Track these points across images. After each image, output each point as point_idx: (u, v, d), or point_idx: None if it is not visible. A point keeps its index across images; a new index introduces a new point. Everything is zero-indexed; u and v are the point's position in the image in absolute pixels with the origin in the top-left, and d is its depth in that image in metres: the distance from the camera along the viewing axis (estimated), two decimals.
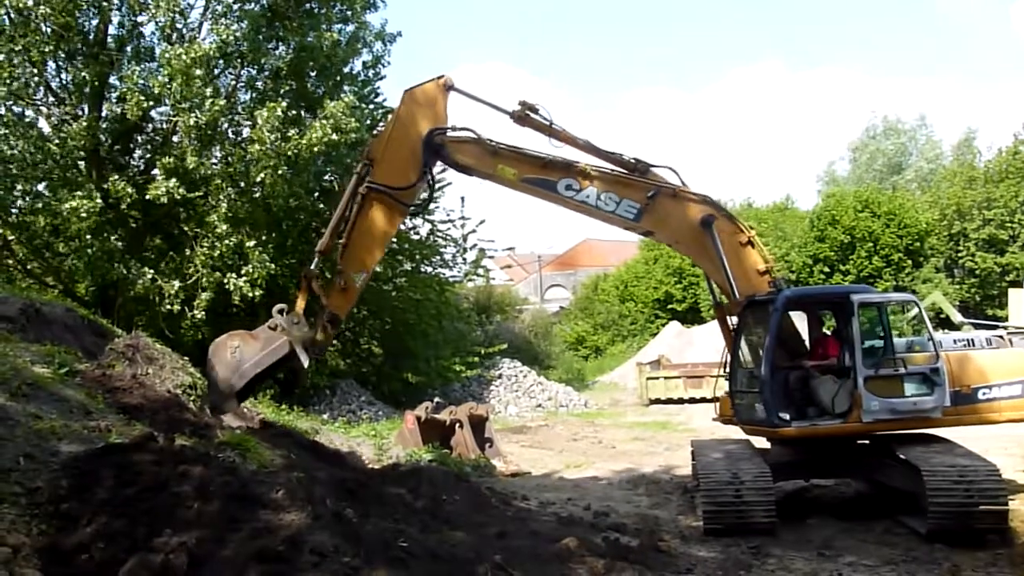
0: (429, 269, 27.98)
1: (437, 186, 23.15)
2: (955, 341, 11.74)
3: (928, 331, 10.83)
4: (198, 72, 17.89)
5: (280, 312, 10.64)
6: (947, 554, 8.84)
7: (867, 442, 11.03)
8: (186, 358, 11.17)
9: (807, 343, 11.64)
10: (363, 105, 23.01)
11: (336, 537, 5.79)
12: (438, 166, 12.07)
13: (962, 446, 10.22)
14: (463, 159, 11.41)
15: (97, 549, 5.30)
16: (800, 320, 12.19)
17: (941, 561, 8.62)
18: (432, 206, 25.12)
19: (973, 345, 11.60)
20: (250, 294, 19.57)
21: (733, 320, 11.49)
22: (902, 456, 10.07)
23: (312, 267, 10.97)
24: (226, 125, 20.54)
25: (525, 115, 11.50)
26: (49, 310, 10.99)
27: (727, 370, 11.53)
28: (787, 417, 10.34)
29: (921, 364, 10.37)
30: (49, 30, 18.60)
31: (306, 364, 10.73)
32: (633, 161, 11.66)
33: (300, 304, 10.89)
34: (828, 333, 11.46)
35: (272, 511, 5.99)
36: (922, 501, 9.42)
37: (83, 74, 19.28)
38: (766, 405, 10.33)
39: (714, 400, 12.48)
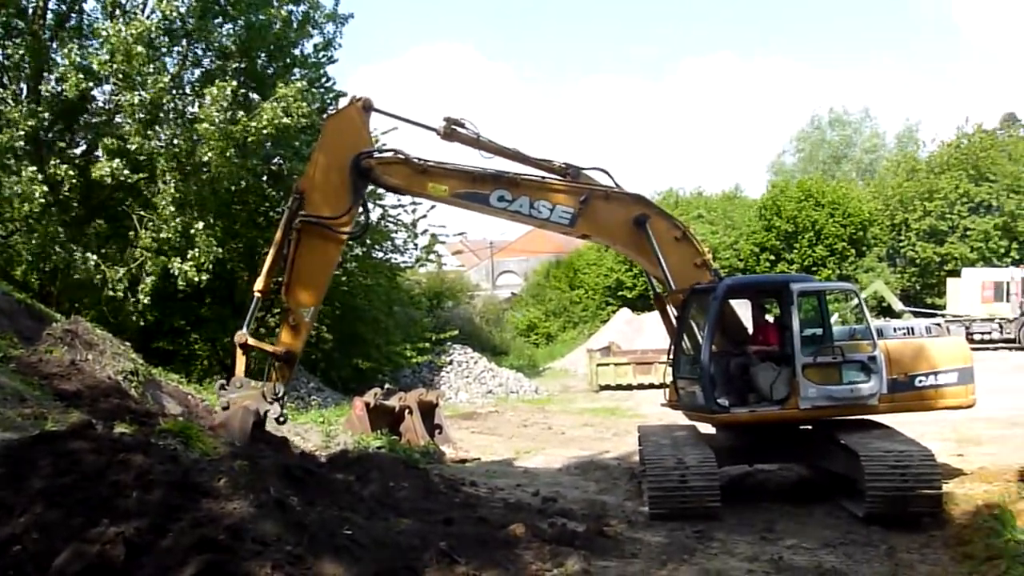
0: (380, 254, 27.77)
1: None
2: (895, 329, 12.03)
3: (866, 319, 11.07)
4: (139, 49, 17.43)
5: (222, 387, 10.37)
6: (884, 536, 9.08)
7: (810, 428, 11.27)
8: (128, 344, 10.95)
9: (749, 331, 11.83)
10: (313, 89, 22.66)
11: (279, 526, 5.74)
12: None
13: (901, 432, 10.48)
14: (392, 180, 11.39)
15: (31, 540, 5.17)
16: (745, 309, 12.38)
17: (878, 543, 8.85)
18: (381, 191, 24.91)
19: (913, 333, 11.90)
20: (196, 279, 19.23)
21: (673, 311, 11.64)
22: (842, 441, 10.30)
23: (243, 330, 10.65)
24: (171, 104, 20.08)
25: (452, 131, 11.54)
26: None
27: (671, 357, 11.68)
28: (726, 403, 10.51)
29: (858, 352, 10.60)
30: None
31: (276, 412, 10.55)
32: (564, 166, 11.77)
33: (240, 368, 10.65)
34: (771, 321, 11.67)
35: (214, 500, 5.91)
36: (860, 485, 9.66)
37: (20, 52, 18.69)
38: (705, 391, 10.49)
39: (663, 386, 12.63)
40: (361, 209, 11.64)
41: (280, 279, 10.91)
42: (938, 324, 14.55)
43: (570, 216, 11.32)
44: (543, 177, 11.63)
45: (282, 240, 10.78)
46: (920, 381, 10.81)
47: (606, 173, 11.81)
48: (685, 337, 11.53)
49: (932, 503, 9.44)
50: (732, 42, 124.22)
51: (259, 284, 10.82)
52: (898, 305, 35.48)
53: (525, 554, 7.19)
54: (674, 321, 11.69)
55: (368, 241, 26.38)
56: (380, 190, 16.84)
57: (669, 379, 11.99)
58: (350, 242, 24.83)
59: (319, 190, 10.90)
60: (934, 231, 40.70)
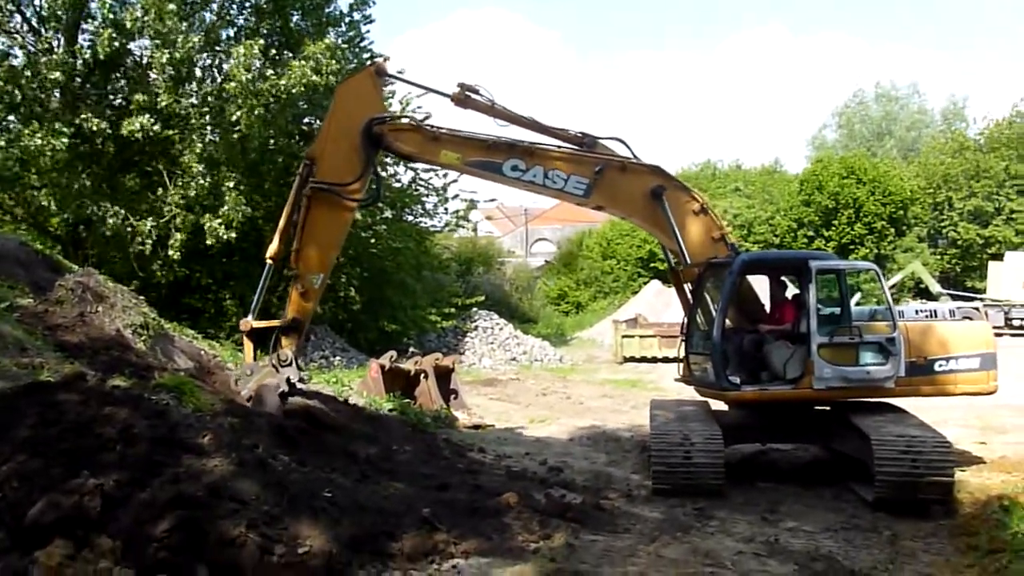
0: (410, 218, 27.78)
1: None
2: (917, 311, 11.72)
3: (887, 300, 10.76)
4: (171, 7, 17.43)
5: (236, 382, 10.36)
6: (889, 523, 8.85)
7: (825, 408, 11.04)
8: (141, 297, 11.02)
9: (767, 308, 11.58)
10: (345, 47, 22.56)
11: (259, 485, 5.74)
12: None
13: (916, 417, 10.19)
14: (404, 147, 11.21)
15: (11, 489, 5.22)
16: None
17: (882, 530, 8.63)
18: None
19: (936, 316, 11.58)
20: (225, 236, 19.38)
21: (688, 286, 11.43)
22: (855, 424, 10.06)
23: (248, 317, 10.57)
24: (205, 62, 20.14)
25: (465, 97, 11.25)
26: (0, 243, 10.81)
27: (685, 332, 11.49)
28: (737, 380, 10.30)
29: (877, 333, 10.32)
30: None
31: (295, 376, 10.42)
32: (580, 135, 11.52)
33: (248, 354, 10.60)
34: (789, 298, 11.40)
35: (197, 456, 5.93)
36: (871, 469, 9.45)
37: (58, 2, 18.79)
38: (715, 368, 10.30)
39: (678, 361, 12.45)
40: (373, 175, 11.47)
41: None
42: (976, 308, 14.19)
43: (585, 186, 11.08)
44: (558, 146, 11.39)
45: (293, 206, 10.70)
46: (940, 365, 10.49)
47: (623, 143, 11.56)
48: (699, 312, 11.32)
49: (942, 491, 9.17)
50: (786, 14, 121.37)
51: (271, 250, 10.77)
52: (936, 287, 34.63)
53: (513, 524, 7.12)
54: (689, 296, 11.48)
55: (398, 204, 26.41)
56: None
57: (683, 354, 11.82)
58: (379, 205, 25.02)
59: (330, 156, 10.75)
60: (979, 212, 39.57)
